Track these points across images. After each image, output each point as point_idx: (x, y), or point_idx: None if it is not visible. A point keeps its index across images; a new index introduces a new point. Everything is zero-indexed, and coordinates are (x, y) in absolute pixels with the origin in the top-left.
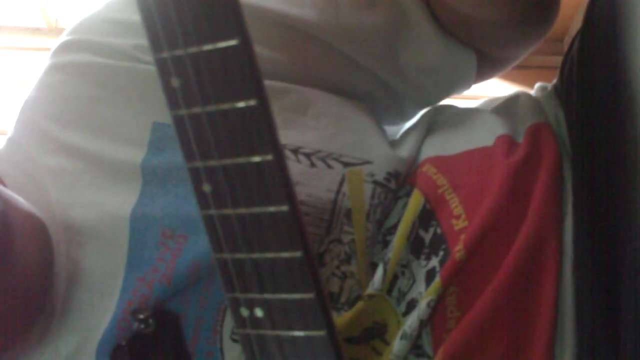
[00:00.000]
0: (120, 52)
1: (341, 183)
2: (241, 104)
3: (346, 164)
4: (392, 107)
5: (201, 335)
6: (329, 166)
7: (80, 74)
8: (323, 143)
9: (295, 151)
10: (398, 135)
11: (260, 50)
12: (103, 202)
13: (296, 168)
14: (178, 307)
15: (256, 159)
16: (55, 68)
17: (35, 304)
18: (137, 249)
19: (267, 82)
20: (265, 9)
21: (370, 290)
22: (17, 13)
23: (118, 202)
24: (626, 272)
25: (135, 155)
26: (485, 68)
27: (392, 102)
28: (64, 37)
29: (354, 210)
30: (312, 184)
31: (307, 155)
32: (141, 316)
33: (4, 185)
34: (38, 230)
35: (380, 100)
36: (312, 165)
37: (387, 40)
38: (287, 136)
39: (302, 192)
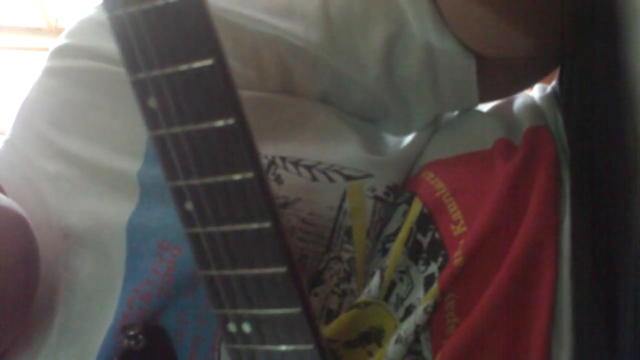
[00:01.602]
0: (117, 58)
1: (342, 199)
2: (220, 123)
3: (347, 177)
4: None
5: (199, 352)
6: (331, 179)
7: (79, 80)
8: (324, 155)
9: (296, 164)
10: (398, 142)
11: (250, 73)
12: (100, 210)
13: (298, 182)
14: (176, 324)
15: (237, 177)
16: (53, 72)
17: (16, 303)
18: (134, 259)
19: (267, 95)
20: (256, 20)
21: (365, 297)
22: (17, 13)
23: (115, 211)
24: (624, 275)
25: (132, 165)
26: (487, 84)
27: (389, 120)
28: (61, 40)
29: (354, 227)
30: (313, 200)
31: (309, 168)
32: (131, 333)
33: (1, 188)
34: (16, 225)
35: (377, 117)
36: (314, 178)
37: (382, 58)
38: (287, 148)
39: (304, 210)
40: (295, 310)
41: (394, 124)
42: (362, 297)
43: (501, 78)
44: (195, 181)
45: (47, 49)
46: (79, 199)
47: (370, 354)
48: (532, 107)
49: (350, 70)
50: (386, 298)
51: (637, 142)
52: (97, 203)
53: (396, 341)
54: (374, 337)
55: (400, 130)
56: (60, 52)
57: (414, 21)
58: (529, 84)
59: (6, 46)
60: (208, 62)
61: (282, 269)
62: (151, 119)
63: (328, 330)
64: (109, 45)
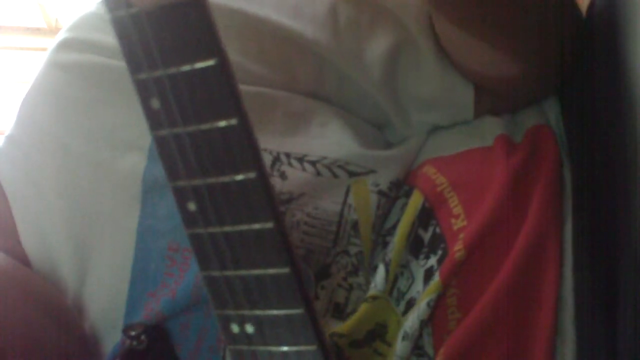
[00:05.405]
0: (120, 52)
1: (347, 194)
2: (222, 123)
3: (351, 173)
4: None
5: (205, 343)
6: (335, 175)
7: (83, 75)
8: (329, 150)
9: (301, 159)
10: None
11: (255, 67)
12: (105, 211)
13: (302, 177)
14: (182, 316)
15: (239, 177)
16: (56, 66)
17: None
18: (141, 261)
19: (272, 90)
20: (261, 19)
21: (373, 291)
22: (17, 13)
23: (121, 213)
24: (624, 273)
25: (137, 162)
26: (486, 103)
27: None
28: (65, 34)
29: (360, 222)
30: (318, 195)
31: (313, 163)
32: (133, 333)
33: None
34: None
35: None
36: (318, 174)
37: (386, 66)
38: (292, 143)
39: (308, 204)
40: (298, 311)
41: (394, 131)
42: (371, 292)
43: (498, 100)
44: (198, 181)
45: (47, 49)
46: (80, 198)
47: (376, 351)
48: (533, 106)
49: (355, 72)
50: (389, 292)
51: (637, 142)
52: (102, 204)
53: (403, 338)
54: (378, 333)
55: (399, 138)
56: (65, 46)
57: (418, 36)
58: (527, 105)
59: (6, 46)
60: (210, 62)
61: (284, 270)
62: (153, 119)
63: (345, 327)
64: (112, 39)
